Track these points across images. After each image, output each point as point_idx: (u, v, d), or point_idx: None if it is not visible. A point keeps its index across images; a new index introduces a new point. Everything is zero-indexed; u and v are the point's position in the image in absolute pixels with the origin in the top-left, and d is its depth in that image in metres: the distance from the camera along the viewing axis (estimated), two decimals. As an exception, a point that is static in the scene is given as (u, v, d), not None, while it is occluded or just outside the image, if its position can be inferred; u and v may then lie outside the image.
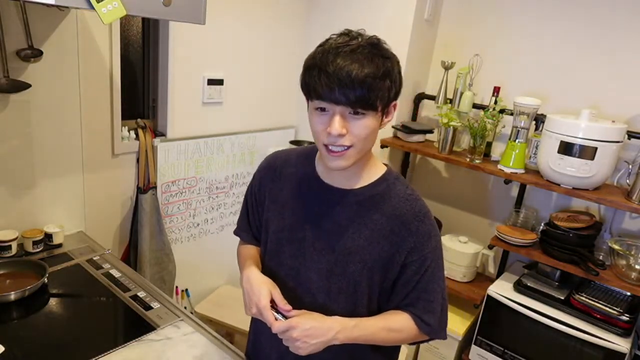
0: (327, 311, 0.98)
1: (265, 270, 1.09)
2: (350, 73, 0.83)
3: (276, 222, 1.06)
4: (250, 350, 1.21)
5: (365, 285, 0.99)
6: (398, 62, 0.92)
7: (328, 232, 0.99)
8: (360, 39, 0.88)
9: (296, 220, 1.03)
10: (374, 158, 1.03)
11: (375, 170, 1.02)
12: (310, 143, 2.51)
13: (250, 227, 1.17)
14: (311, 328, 0.90)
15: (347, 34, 0.90)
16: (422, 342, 1.06)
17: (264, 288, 0.95)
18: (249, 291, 0.97)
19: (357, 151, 0.91)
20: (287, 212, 1.05)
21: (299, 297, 1.02)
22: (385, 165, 1.06)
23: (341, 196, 1.00)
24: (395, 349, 1.14)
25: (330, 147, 0.90)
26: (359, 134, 0.89)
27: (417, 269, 0.98)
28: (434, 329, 1.00)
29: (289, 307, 0.94)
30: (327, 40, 0.90)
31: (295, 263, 1.03)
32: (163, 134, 2.03)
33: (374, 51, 0.87)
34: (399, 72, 0.91)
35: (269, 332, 0.94)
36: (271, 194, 1.09)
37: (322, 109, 0.89)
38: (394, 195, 0.99)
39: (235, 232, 1.21)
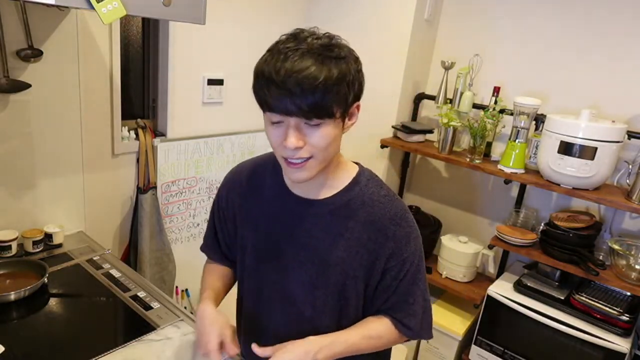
0: (314, 324, 0.97)
1: (248, 287, 1.06)
2: (300, 82, 0.76)
3: (252, 238, 1.02)
4: (243, 349, 1.21)
5: (349, 295, 0.97)
6: (356, 60, 0.85)
7: (305, 246, 0.96)
8: (310, 40, 0.80)
9: (272, 234, 0.99)
10: (343, 161, 0.98)
11: (345, 175, 0.97)
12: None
13: (220, 245, 1.12)
14: None
15: (296, 35, 0.82)
16: (406, 341, 1.04)
17: (214, 329, 0.92)
18: (199, 331, 0.94)
19: (318, 161, 0.86)
20: (262, 226, 1.01)
21: (286, 312, 1.00)
22: (357, 164, 1.01)
23: (312, 207, 0.95)
24: (386, 350, 1.11)
25: (289, 160, 0.85)
26: (318, 144, 0.83)
27: (397, 274, 0.95)
28: (415, 332, 0.98)
29: (236, 350, 0.92)
30: (276, 42, 0.83)
31: (278, 278, 1.00)
32: (163, 134, 2.03)
33: (326, 53, 0.79)
34: (358, 71, 0.84)
35: (260, 332, 0.93)
36: (242, 210, 1.04)
37: (278, 121, 0.82)
38: (368, 200, 0.94)
39: (202, 249, 1.17)
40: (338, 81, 0.79)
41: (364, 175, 0.98)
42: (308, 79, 0.76)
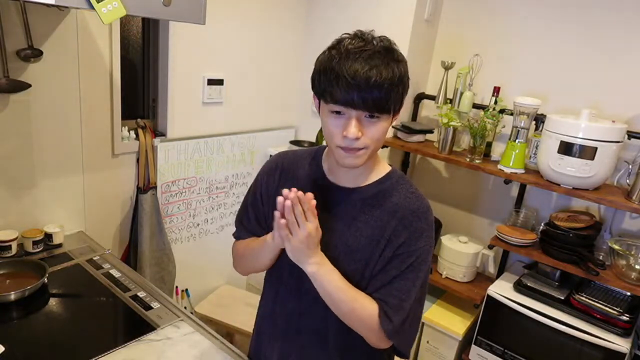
0: (328, 310, 0.99)
1: (269, 268, 1.10)
2: (369, 79, 0.85)
3: None
4: (252, 351, 1.21)
5: (364, 283, 0.99)
6: (406, 63, 0.94)
7: (332, 230, 1.00)
8: (375, 43, 0.90)
9: None
10: (379, 159, 1.05)
11: (380, 169, 1.04)
12: (311, 144, 2.51)
13: (249, 223, 1.16)
14: (303, 245, 0.92)
15: (360, 37, 0.91)
16: (381, 350, 1.03)
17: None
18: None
19: (370, 152, 0.94)
20: None
21: (301, 296, 1.03)
22: (390, 166, 1.07)
23: (346, 195, 1.01)
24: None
25: (346, 148, 0.92)
26: (373, 136, 0.92)
27: (399, 264, 0.96)
28: (394, 327, 0.95)
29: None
30: (339, 42, 0.91)
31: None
32: (163, 134, 2.03)
33: (389, 56, 0.89)
34: (407, 74, 0.94)
35: (270, 333, 0.94)
36: (276, 192, 1.07)
37: (338, 112, 0.90)
38: (396, 193, 1.00)
39: (236, 231, 1.19)
40: (398, 82, 0.90)
41: (397, 174, 1.05)
42: (376, 78, 0.86)
